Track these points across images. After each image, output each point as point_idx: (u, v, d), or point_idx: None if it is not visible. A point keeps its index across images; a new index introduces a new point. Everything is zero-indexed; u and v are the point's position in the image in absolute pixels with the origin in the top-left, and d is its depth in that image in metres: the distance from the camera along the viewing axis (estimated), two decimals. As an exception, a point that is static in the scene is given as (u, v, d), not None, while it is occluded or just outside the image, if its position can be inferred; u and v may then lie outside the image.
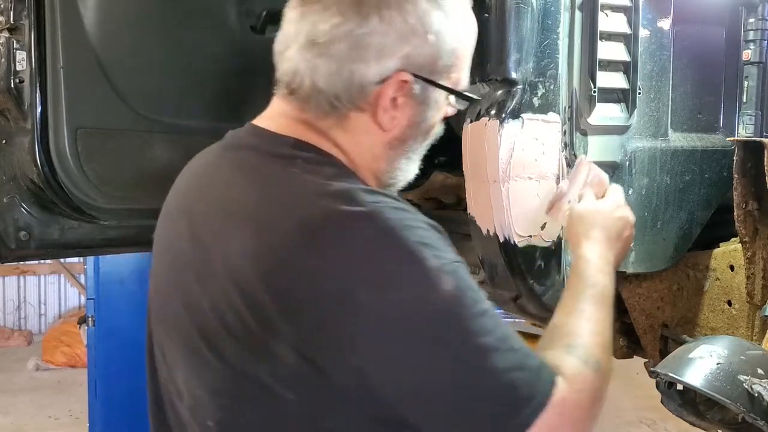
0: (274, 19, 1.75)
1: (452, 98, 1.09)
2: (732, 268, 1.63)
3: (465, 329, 0.89)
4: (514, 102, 1.44)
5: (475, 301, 0.91)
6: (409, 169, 1.11)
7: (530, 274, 1.49)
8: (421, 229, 0.93)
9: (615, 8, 1.53)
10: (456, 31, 1.04)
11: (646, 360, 1.82)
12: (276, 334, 0.90)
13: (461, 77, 1.08)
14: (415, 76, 1.00)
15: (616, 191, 1.35)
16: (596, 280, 1.15)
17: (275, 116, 1.06)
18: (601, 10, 1.50)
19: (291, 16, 1.02)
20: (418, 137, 1.08)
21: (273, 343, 0.91)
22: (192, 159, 1.20)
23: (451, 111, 1.12)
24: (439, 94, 1.05)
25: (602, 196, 1.34)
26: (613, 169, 1.57)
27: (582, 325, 1.05)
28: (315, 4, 0.99)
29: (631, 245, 1.35)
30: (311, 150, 1.01)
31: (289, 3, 1.04)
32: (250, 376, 0.94)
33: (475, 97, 1.12)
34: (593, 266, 1.18)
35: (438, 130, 1.11)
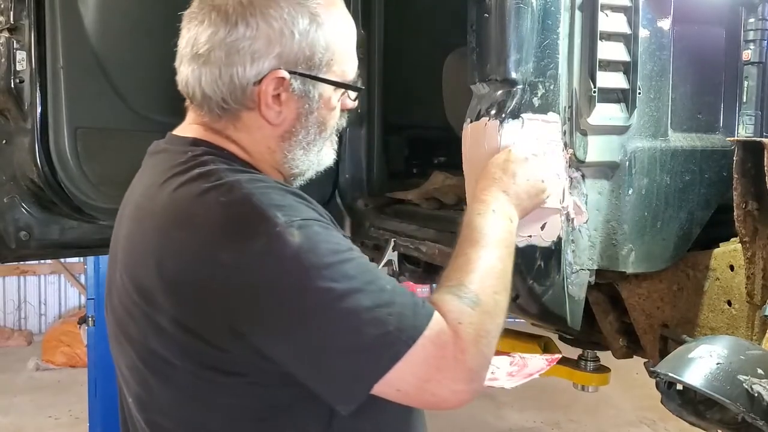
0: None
1: (348, 91, 1.19)
2: (732, 268, 1.63)
3: (319, 276, 0.98)
4: (514, 102, 1.44)
5: (332, 251, 1.00)
6: (311, 159, 1.21)
7: (530, 273, 1.49)
8: (275, 195, 1.04)
9: (615, 8, 1.52)
10: (327, 30, 1.13)
11: (646, 360, 1.82)
12: (160, 309, 1.03)
13: (346, 70, 1.17)
14: (291, 72, 1.11)
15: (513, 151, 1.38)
16: (483, 228, 1.20)
17: (186, 124, 1.20)
18: (601, 10, 1.49)
19: (182, 33, 1.16)
20: (310, 128, 1.17)
21: (159, 318, 1.03)
22: None
23: (350, 104, 1.22)
24: (323, 88, 1.15)
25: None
26: (612, 170, 1.57)
27: (465, 269, 1.12)
28: (194, 20, 1.12)
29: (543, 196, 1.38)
30: (203, 145, 1.14)
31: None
32: (151, 350, 1.07)
33: (357, 86, 1.20)
34: (476, 214, 1.23)
35: (335, 122, 1.21)
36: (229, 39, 1.09)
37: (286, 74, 1.11)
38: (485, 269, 1.12)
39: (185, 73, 1.14)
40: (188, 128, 1.19)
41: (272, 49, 1.10)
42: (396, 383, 0.99)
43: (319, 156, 1.22)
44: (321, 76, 1.14)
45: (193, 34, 1.12)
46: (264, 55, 1.09)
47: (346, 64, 1.17)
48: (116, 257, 1.17)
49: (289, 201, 1.04)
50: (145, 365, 1.09)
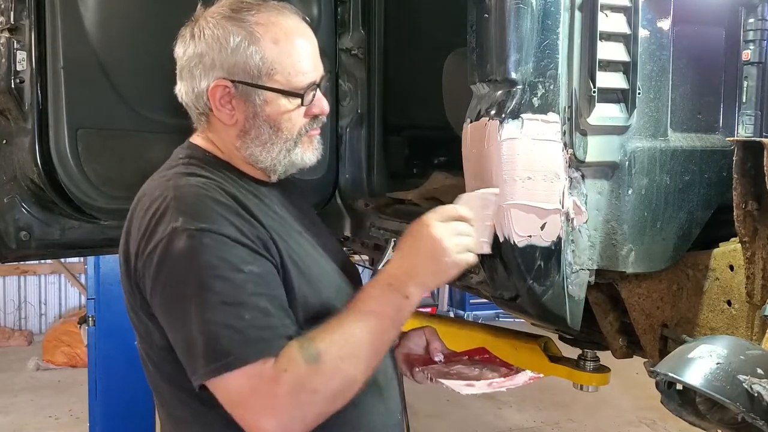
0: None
1: (310, 98, 1.35)
2: (732, 268, 1.63)
3: (184, 280, 1.17)
4: (514, 102, 1.44)
5: (208, 265, 1.17)
6: (274, 156, 1.36)
7: (529, 273, 1.49)
8: (189, 200, 1.24)
9: (615, 8, 1.52)
10: (263, 45, 1.31)
11: (646, 360, 1.82)
12: (122, 265, 1.32)
13: (290, 80, 1.33)
14: (232, 81, 1.31)
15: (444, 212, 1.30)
16: (369, 298, 1.25)
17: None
18: (601, 11, 1.49)
19: None
20: (262, 128, 1.35)
21: (123, 271, 1.32)
22: None
23: (315, 110, 1.37)
24: (265, 94, 1.32)
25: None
26: (612, 170, 1.57)
27: (328, 328, 1.20)
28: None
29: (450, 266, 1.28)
30: (192, 148, 1.41)
31: None
32: (127, 297, 1.33)
33: (287, 90, 1.33)
34: (374, 282, 1.28)
35: (297, 125, 1.36)
36: (187, 58, 1.35)
37: (227, 82, 1.32)
38: (344, 334, 1.20)
39: (177, 89, 1.40)
40: (194, 135, 1.44)
41: (214, 63, 1.32)
42: (216, 393, 1.17)
43: (289, 155, 1.37)
44: (260, 83, 1.31)
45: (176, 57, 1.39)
46: (210, 68, 1.32)
47: (291, 74, 1.33)
48: None
49: (200, 209, 1.22)
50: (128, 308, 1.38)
